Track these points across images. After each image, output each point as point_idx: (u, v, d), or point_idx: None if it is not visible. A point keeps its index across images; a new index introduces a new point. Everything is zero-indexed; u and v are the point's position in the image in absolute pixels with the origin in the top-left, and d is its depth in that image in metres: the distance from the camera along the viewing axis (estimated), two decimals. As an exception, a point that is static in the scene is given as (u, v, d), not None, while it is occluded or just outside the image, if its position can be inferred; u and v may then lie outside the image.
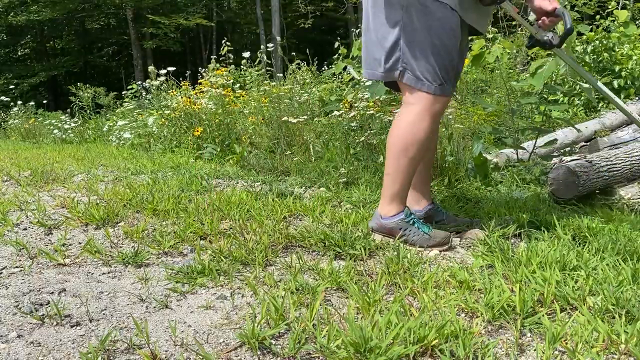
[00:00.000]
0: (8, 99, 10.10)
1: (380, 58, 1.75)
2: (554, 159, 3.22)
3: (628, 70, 4.60)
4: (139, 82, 7.55)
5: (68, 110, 9.04)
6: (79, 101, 8.45)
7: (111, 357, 1.09)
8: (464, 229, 1.95)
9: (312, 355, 1.09)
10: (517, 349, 1.11)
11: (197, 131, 4.49)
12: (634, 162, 2.52)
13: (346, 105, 3.67)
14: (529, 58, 5.86)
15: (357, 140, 3.22)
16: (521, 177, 2.76)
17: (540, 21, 1.83)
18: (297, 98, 4.15)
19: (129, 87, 7.91)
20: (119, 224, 2.09)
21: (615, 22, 5.08)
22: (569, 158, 2.64)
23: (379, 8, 1.72)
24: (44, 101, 11.78)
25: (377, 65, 1.78)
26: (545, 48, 1.84)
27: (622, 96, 4.60)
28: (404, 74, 1.72)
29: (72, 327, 1.23)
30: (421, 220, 1.82)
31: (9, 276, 1.54)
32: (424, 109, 1.73)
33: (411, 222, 1.78)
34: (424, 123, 1.74)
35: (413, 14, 1.68)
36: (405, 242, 1.77)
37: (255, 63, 5.78)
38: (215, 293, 1.42)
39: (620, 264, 1.52)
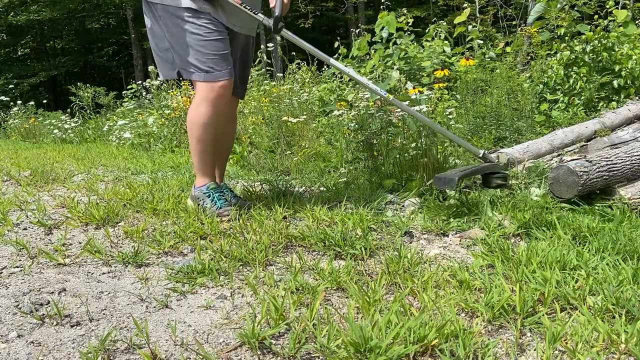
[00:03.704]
0: (8, 99, 10.09)
1: (168, 60, 2.07)
2: (554, 158, 3.22)
3: (628, 70, 4.59)
4: (139, 82, 7.54)
5: (68, 110, 9.03)
6: (79, 101, 8.44)
7: (111, 357, 1.09)
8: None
9: (312, 355, 1.09)
10: (517, 349, 1.11)
11: (197, 131, 4.48)
12: (634, 161, 2.52)
13: (342, 106, 3.68)
14: (529, 58, 5.85)
15: (357, 140, 3.21)
16: (521, 176, 2.76)
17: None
18: (297, 98, 4.15)
19: (129, 87, 7.91)
20: (119, 224, 2.09)
21: (615, 22, 5.07)
22: (569, 158, 2.64)
23: (161, 19, 2.05)
24: (44, 101, 11.74)
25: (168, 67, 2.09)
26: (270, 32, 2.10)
27: (622, 96, 4.59)
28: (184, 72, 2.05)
29: (72, 327, 1.23)
30: (223, 198, 2.10)
31: (9, 276, 1.54)
32: (201, 97, 2.04)
33: (208, 194, 2.10)
34: (201, 109, 2.04)
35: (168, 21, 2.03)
36: (203, 209, 2.09)
37: (255, 63, 5.78)
38: (215, 293, 1.42)
39: (620, 264, 1.52)
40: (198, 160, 2.12)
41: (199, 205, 2.12)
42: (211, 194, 2.11)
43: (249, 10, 2.03)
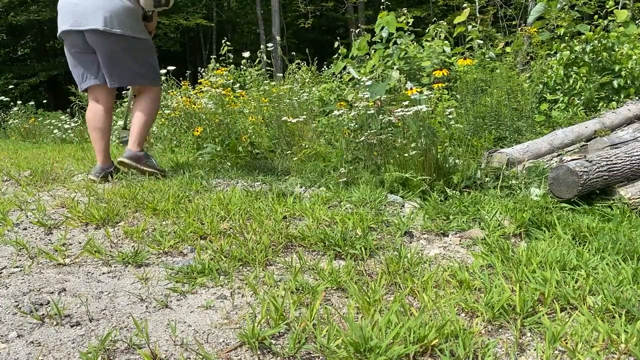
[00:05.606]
0: (8, 99, 10.08)
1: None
2: (554, 158, 3.23)
3: (628, 70, 4.60)
4: (139, 82, 7.53)
5: (68, 110, 9.03)
6: (78, 101, 8.44)
7: (111, 357, 1.09)
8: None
9: (312, 355, 1.09)
10: (517, 349, 1.11)
11: (197, 131, 4.49)
12: (634, 161, 2.52)
13: (342, 106, 3.68)
14: (529, 58, 5.85)
15: (357, 140, 3.21)
16: (521, 176, 2.76)
17: None
18: (297, 98, 4.15)
19: (128, 87, 7.89)
20: (119, 224, 2.09)
21: (615, 22, 5.08)
22: (569, 158, 2.64)
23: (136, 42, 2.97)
24: (44, 101, 11.75)
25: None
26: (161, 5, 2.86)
27: (622, 96, 4.60)
28: None
29: (72, 327, 1.23)
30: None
31: (9, 276, 1.54)
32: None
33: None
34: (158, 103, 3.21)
35: None
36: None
37: (255, 63, 5.78)
38: (215, 293, 1.42)
39: (620, 264, 1.52)
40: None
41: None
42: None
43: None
